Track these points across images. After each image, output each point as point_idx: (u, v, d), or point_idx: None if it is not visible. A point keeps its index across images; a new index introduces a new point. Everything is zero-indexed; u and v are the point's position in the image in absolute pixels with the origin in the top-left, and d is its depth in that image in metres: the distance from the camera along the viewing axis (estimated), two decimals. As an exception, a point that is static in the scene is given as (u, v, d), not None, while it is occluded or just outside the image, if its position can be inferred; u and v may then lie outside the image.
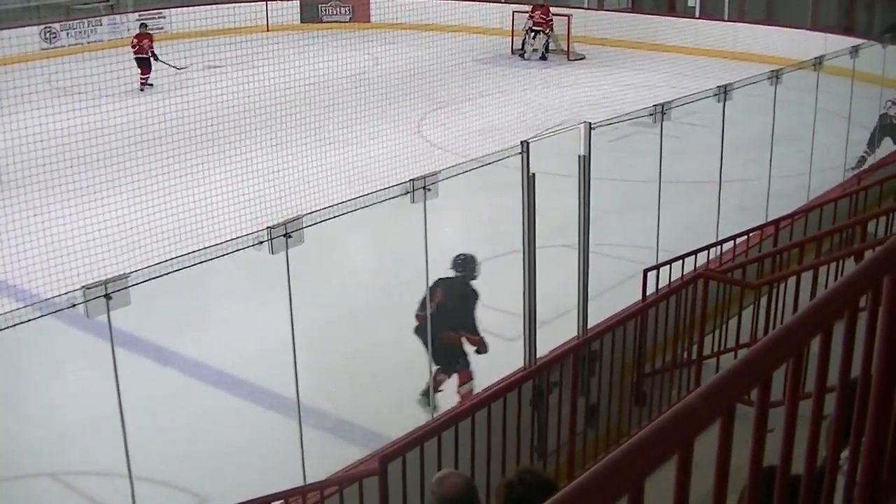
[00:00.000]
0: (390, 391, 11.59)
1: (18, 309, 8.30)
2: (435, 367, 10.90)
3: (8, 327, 7.51)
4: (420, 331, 10.89)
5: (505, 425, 8.51)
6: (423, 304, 10.69)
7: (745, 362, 2.80)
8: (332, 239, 10.81)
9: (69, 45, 37.04)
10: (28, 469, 10.79)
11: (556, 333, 10.52)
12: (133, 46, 29.87)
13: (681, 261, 11.08)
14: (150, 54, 29.03)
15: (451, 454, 7.89)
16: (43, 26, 37.19)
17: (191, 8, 38.56)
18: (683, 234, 13.49)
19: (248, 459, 10.59)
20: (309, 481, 8.89)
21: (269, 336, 11.78)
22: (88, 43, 37.17)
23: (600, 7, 37.68)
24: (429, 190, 9.38)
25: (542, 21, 33.01)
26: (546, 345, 10.00)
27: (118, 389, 7.99)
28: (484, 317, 12.74)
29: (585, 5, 37.10)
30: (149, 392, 11.35)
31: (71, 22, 38.44)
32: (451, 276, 11.42)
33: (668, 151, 12.84)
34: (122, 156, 18.81)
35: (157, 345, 12.90)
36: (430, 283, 10.23)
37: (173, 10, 39.35)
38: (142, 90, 28.45)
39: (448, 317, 11.19)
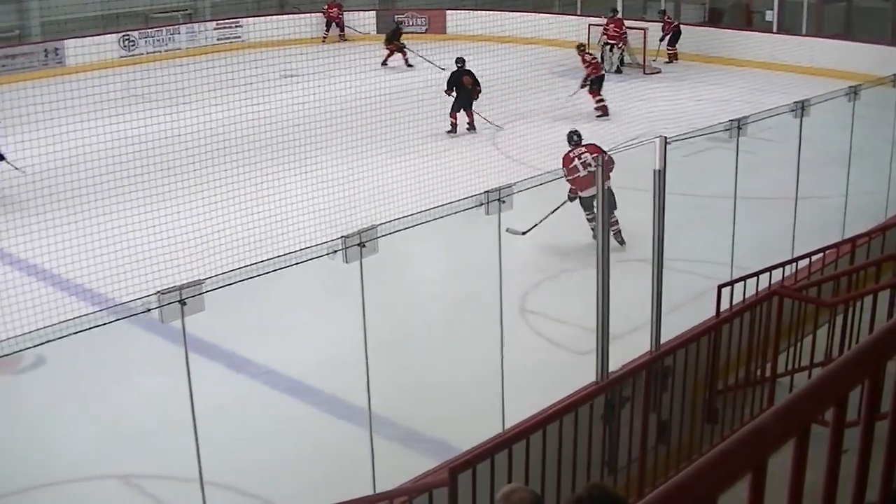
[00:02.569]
0: (462, 402, 11.58)
1: (94, 313, 8.41)
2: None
3: (83, 330, 7.60)
4: None
5: (576, 439, 8.48)
6: None
7: (820, 381, 2.78)
8: (406, 249, 10.85)
9: (147, 53, 37.47)
10: (99, 471, 10.91)
11: (628, 348, 10.49)
12: None
13: (755, 277, 10.98)
14: None
15: (521, 467, 7.87)
16: (122, 34, 37.64)
17: (267, 18, 38.87)
18: (758, 251, 13.38)
19: (317, 467, 10.63)
20: (378, 491, 8.91)
21: (340, 345, 11.82)
22: (166, 51, 37.59)
23: (677, 21, 37.50)
24: (503, 202, 9.38)
25: (615, 34, 32.88)
26: (618, 359, 9.97)
27: (191, 394, 8.06)
28: (556, 330, 12.75)
29: (662, 19, 36.94)
30: (220, 398, 11.44)
31: (149, 30, 38.89)
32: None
33: (743, 167, 12.75)
34: (199, 163, 18.94)
35: (230, 351, 12.99)
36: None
37: (250, 20, 39.66)
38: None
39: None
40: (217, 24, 39.80)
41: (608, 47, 33.11)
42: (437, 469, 9.09)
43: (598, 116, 25.95)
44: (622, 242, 16.08)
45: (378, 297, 9.07)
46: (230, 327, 12.87)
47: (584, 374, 10.12)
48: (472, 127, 24.82)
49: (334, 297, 13.13)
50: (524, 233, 16.13)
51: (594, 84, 26.57)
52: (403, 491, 8.42)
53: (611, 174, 12.41)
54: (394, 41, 35.67)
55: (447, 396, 11.81)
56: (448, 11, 39.63)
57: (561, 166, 16.03)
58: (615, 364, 9.89)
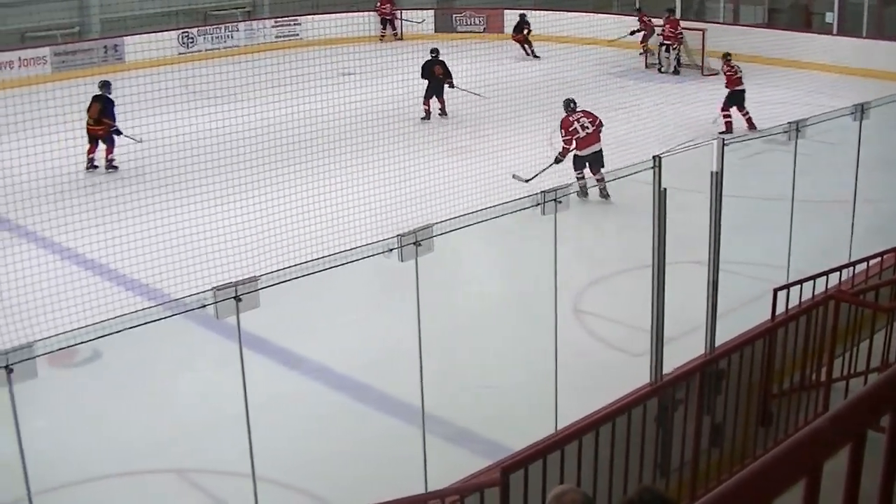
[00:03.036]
0: (514, 402, 11.58)
1: (150, 308, 8.48)
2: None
3: (139, 325, 7.67)
4: None
5: (628, 441, 8.45)
6: None
7: (877, 387, 2.76)
8: (461, 248, 10.86)
9: (206, 50, 37.69)
10: (154, 465, 10.99)
11: (682, 350, 10.44)
12: None
13: (812, 281, 10.91)
14: None
15: (573, 468, 7.86)
16: (181, 31, 37.90)
17: (325, 15, 38.99)
18: (814, 254, 13.30)
19: (369, 464, 10.65)
20: (429, 490, 8.93)
21: (393, 342, 11.86)
22: (224, 48, 37.80)
23: (735, 22, 37.25)
24: (559, 202, 9.37)
25: (670, 35, 32.70)
26: (672, 361, 9.93)
27: (245, 390, 8.11)
28: (610, 331, 12.70)
29: (721, 20, 36.72)
30: (274, 394, 11.49)
31: (208, 27, 39.11)
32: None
33: (800, 169, 12.67)
34: (256, 160, 19.05)
35: (284, 347, 13.05)
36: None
37: (308, 18, 39.79)
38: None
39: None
40: (276, 22, 39.96)
41: (664, 48, 32.95)
42: (489, 468, 9.09)
43: (721, 133, 23.00)
44: (607, 196, 18.65)
45: (432, 296, 9.08)
46: (284, 324, 12.92)
47: (637, 376, 10.09)
48: (443, 112, 26.43)
49: (388, 295, 13.17)
50: (528, 180, 18.16)
51: (732, 99, 25.09)
52: (455, 490, 8.43)
53: (600, 136, 18.75)
54: (521, 33, 36.31)
55: (499, 395, 11.81)
56: (506, 11, 39.56)
57: (560, 128, 19.79)
58: (669, 366, 9.86)
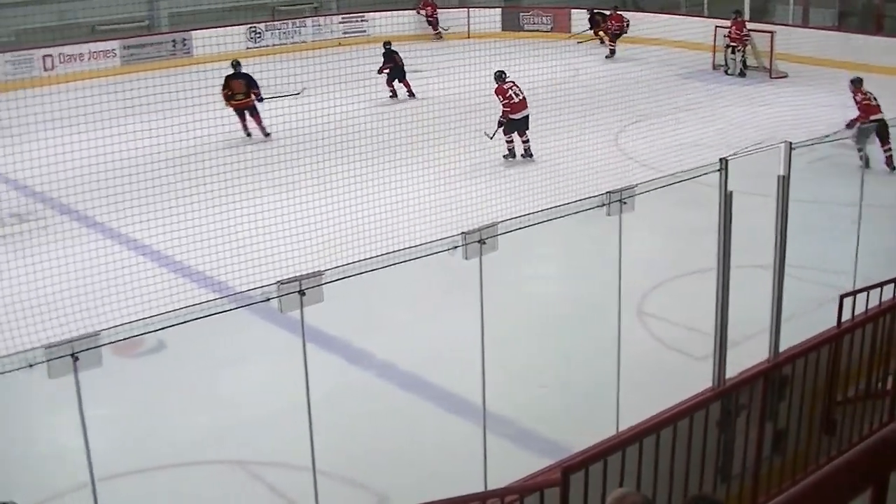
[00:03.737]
0: (575, 402, 11.56)
1: (215, 300, 8.55)
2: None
3: (203, 317, 7.72)
4: None
5: (690, 445, 8.41)
6: None
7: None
8: (526, 248, 10.84)
9: (273, 45, 37.88)
10: (215, 456, 11.07)
11: (745, 355, 10.37)
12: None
13: (879, 288, 10.79)
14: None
15: (633, 470, 7.83)
16: (249, 26, 38.11)
17: (393, 12, 39.06)
18: (882, 261, 13.17)
19: (429, 461, 10.67)
20: (489, 488, 8.93)
21: (455, 340, 11.86)
22: (292, 43, 37.97)
23: (805, 24, 36.90)
24: (625, 203, 9.35)
25: (736, 37, 32.37)
26: (735, 366, 9.87)
27: (307, 384, 8.15)
28: (672, 334, 12.64)
29: (790, 22, 36.39)
30: (335, 388, 11.53)
31: (276, 22, 39.31)
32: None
33: (869, 174, 12.55)
34: (322, 154, 19.10)
35: (347, 342, 13.09)
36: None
37: (376, 14, 39.88)
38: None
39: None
40: (343, 18, 40.09)
41: (730, 49, 32.67)
42: (550, 468, 9.08)
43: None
44: (531, 156, 22.02)
45: (495, 294, 9.08)
46: (348, 319, 12.95)
47: (699, 380, 10.04)
48: (411, 94, 27.60)
49: (451, 293, 13.17)
50: (490, 137, 21.28)
51: (863, 133, 20.04)
52: (515, 489, 8.42)
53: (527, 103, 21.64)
54: (597, 29, 36.76)
55: (561, 396, 11.79)
56: (573, 10, 39.44)
57: (496, 95, 22.18)
58: (732, 370, 9.80)
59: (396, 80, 28.25)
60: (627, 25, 35.74)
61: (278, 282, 7.85)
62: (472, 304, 8.87)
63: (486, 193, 16.98)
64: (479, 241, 8.53)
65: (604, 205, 9.37)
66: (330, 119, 19.78)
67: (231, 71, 25.69)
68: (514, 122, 22.15)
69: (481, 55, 25.94)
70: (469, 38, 39.22)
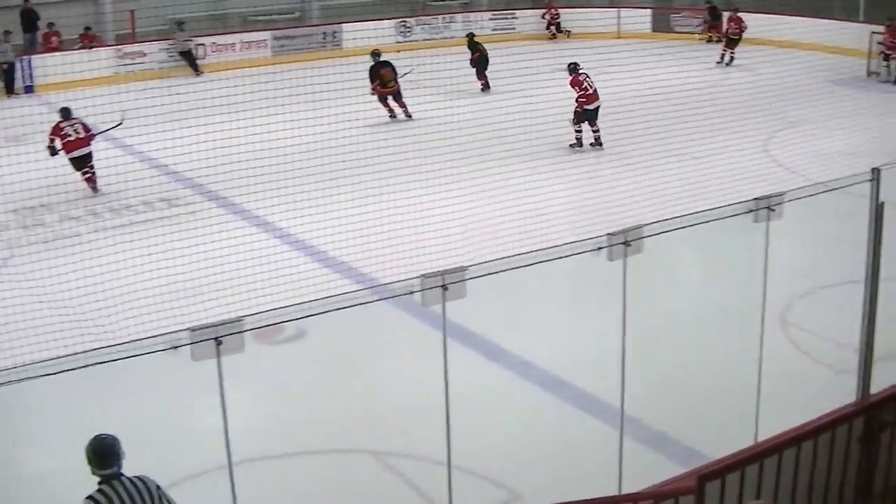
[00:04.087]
0: (714, 410, 11.41)
1: (357, 291, 8.62)
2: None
3: (345, 307, 7.78)
4: None
5: (831, 460, 8.25)
6: None
7: None
8: (669, 251, 10.70)
9: (422, 40, 38.08)
10: (350, 445, 11.16)
11: (892, 371, 10.14)
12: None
13: None
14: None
15: (771, 483, 7.71)
16: (398, 20, 38.36)
17: (542, 10, 39.03)
18: None
19: (564, 462, 10.62)
20: (623, 492, 8.87)
21: (595, 341, 11.81)
22: (441, 39, 38.12)
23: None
24: (773, 210, 9.21)
25: (891, 45, 31.48)
26: (881, 381, 9.66)
27: (446, 379, 8.16)
28: (816, 345, 12.42)
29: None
30: (473, 385, 11.53)
31: (426, 17, 39.50)
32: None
33: None
34: (467, 150, 19.18)
35: (487, 339, 13.09)
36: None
37: (526, 12, 39.88)
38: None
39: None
40: (493, 15, 40.16)
41: (882, 56, 31.78)
42: (685, 475, 8.99)
43: None
44: (601, 145, 22.69)
45: (637, 297, 9.01)
46: (488, 316, 12.94)
47: (843, 394, 9.84)
48: (407, 115, 26.26)
49: (593, 294, 13.10)
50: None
51: None
52: (649, 494, 8.35)
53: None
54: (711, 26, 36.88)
55: (700, 402, 11.64)
56: (724, 13, 38.94)
57: (571, 87, 22.82)
58: (877, 386, 9.59)
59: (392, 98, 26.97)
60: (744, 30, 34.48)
61: (422, 275, 7.88)
62: (614, 306, 8.81)
63: (632, 195, 16.87)
64: (623, 243, 8.47)
65: (751, 211, 9.24)
66: (475, 115, 19.85)
67: (373, 62, 26.38)
68: (587, 111, 22.97)
69: (638, 56, 25.87)
70: (619, 37, 38.97)
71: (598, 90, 22.89)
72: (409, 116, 25.68)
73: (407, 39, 38.12)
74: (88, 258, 14.73)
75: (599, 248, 8.48)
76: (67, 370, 6.90)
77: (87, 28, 35.45)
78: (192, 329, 7.08)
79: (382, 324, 12.13)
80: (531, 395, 12.09)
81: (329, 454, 11.02)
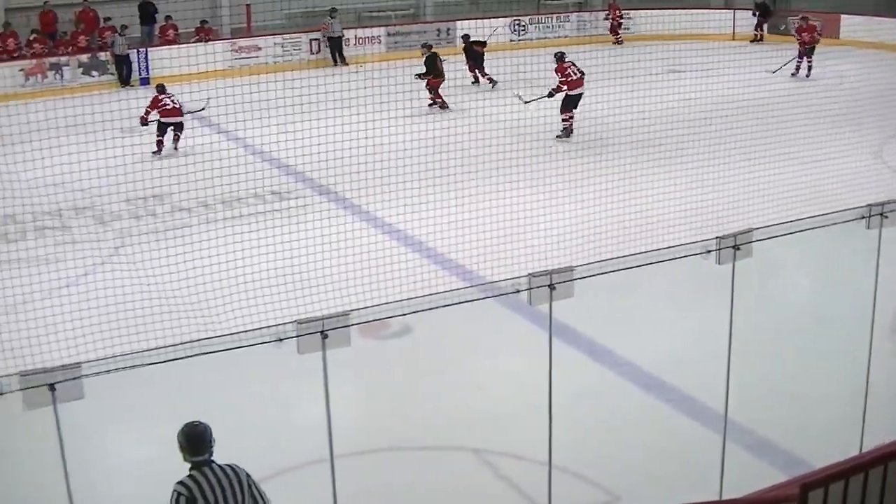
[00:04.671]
0: (819, 418, 11.27)
1: (464, 288, 8.65)
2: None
3: (452, 304, 7.82)
4: None
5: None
6: None
7: None
8: (777, 256, 10.61)
9: (536, 39, 38.06)
10: (452, 442, 11.18)
11: None
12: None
13: None
14: None
15: (876, 494, 7.59)
16: (513, 19, 38.37)
17: (655, 11, 38.79)
18: None
19: (664, 465, 10.55)
20: (724, 497, 8.80)
21: (700, 345, 11.72)
22: (556, 38, 38.06)
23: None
24: (886, 217, 9.08)
25: None
26: None
27: (550, 378, 8.16)
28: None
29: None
30: (576, 384, 11.50)
31: (540, 16, 39.46)
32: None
33: None
34: (578, 150, 19.17)
35: (592, 339, 13.03)
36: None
37: (641, 12, 39.66)
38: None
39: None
40: (607, 15, 39.98)
41: None
42: (787, 483, 8.88)
43: None
44: (569, 134, 23.42)
45: (744, 301, 8.93)
46: (594, 316, 12.88)
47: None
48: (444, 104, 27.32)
49: (700, 297, 13.01)
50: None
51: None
52: (750, 501, 8.28)
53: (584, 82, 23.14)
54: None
55: (805, 409, 11.50)
56: (843, 16, 38.34)
57: (556, 73, 23.87)
58: None
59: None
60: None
61: (529, 274, 7.89)
62: (721, 310, 8.75)
63: (741, 198, 16.71)
64: (733, 247, 8.41)
65: (864, 217, 9.11)
66: (586, 116, 19.78)
67: (428, 53, 27.52)
68: (570, 98, 23.91)
69: (743, 59, 25.59)
70: (733, 39, 38.56)
71: (583, 77, 23.76)
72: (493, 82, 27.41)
73: (521, 38, 38.13)
74: (198, 249, 14.94)
75: (708, 252, 8.43)
76: (174, 359, 7.02)
77: (204, 21, 35.98)
78: (299, 322, 7.16)
79: (488, 321, 12.15)
80: (634, 397, 12.03)
81: (430, 450, 11.06)
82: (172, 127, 23.91)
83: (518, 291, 7.94)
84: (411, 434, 11.27)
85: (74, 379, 6.49)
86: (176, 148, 23.78)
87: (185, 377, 9.32)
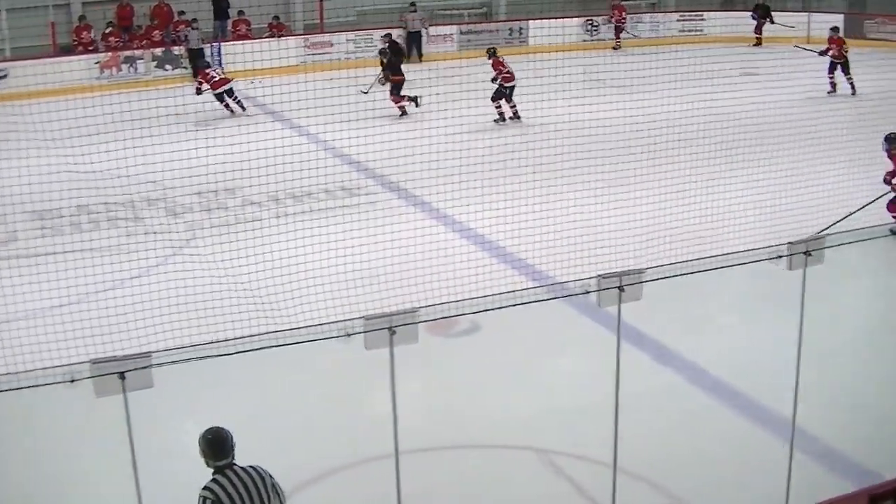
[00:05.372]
0: (890, 428, 11.15)
1: (533, 288, 8.64)
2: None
3: (520, 304, 7.81)
4: None
5: None
6: None
7: None
8: (851, 264, 10.50)
9: (608, 39, 37.97)
10: (515, 441, 11.14)
11: None
12: None
13: None
14: None
15: (946, 505, 7.52)
16: (585, 19, 38.29)
17: (728, 13, 38.54)
18: None
19: (729, 470, 10.48)
20: (791, 506, 8.74)
21: (770, 351, 11.62)
22: (626, 38, 37.99)
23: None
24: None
25: None
26: None
27: (617, 380, 8.13)
28: None
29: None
30: (644, 387, 11.43)
31: (636, 15, 39.49)
32: None
33: None
34: (650, 153, 19.06)
35: (660, 343, 12.94)
36: None
37: (712, 14, 39.45)
38: None
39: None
40: (680, 16, 39.83)
41: None
42: (855, 494, 8.79)
43: None
44: (520, 118, 26.12)
45: (814, 309, 8.84)
46: (662, 319, 12.79)
47: None
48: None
49: (769, 303, 12.91)
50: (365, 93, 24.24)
51: None
52: (818, 509, 8.21)
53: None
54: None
55: (875, 420, 11.38)
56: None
57: (495, 67, 26.44)
58: None
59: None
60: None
61: (598, 276, 7.86)
62: (791, 316, 8.67)
63: (812, 203, 16.54)
64: (804, 253, 8.33)
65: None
66: (660, 117, 19.68)
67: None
68: (505, 89, 26.49)
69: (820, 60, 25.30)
70: (808, 41, 38.14)
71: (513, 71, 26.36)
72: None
73: (593, 38, 38.03)
74: (268, 242, 15.03)
75: (780, 257, 8.35)
76: (242, 351, 7.08)
77: (276, 17, 36.22)
78: (367, 318, 7.17)
79: (556, 322, 12.13)
80: (700, 401, 11.95)
81: (493, 449, 11.04)
82: (226, 93, 28.11)
83: (587, 293, 7.91)
84: (476, 432, 11.25)
85: (144, 368, 6.55)
86: (243, 108, 28.43)
87: (253, 369, 9.38)
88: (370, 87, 27.23)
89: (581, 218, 16.12)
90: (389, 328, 7.16)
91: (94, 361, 6.52)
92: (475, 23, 38.51)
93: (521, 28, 37.46)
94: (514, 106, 26.39)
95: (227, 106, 28.18)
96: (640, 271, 7.83)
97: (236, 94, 28.51)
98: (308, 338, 7.27)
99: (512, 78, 26.35)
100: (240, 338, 7.50)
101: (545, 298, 8.18)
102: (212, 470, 7.15)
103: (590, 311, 10.42)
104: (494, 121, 26.17)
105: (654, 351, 12.74)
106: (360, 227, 15.45)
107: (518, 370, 12.60)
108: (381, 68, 28.46)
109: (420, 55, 36.18)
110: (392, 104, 27.16)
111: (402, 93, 27.43)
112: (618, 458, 8.36)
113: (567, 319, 12.30)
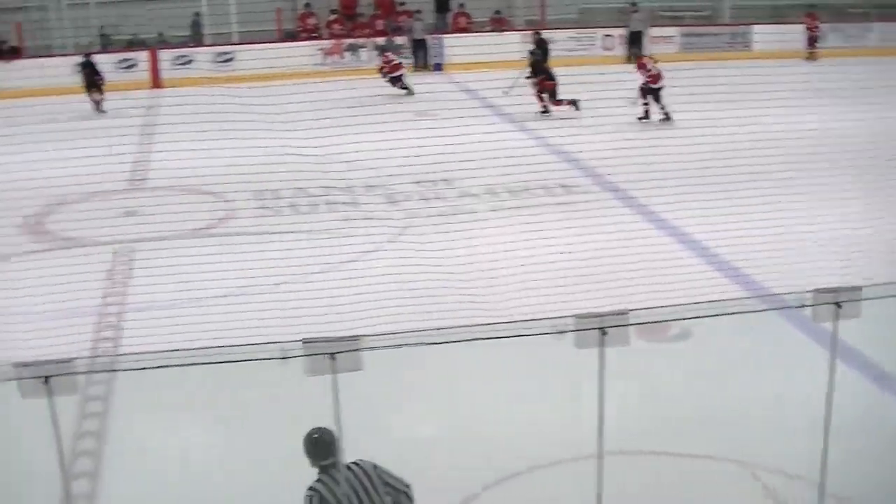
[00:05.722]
0: None
1: (747, 298, 8.51)
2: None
3: (733, 313, 7.72)
4: None
5: None
6: None
7: None
8: None
9: (835, 47, 37.04)
10: (719, 452, 10.85)
11: None
12: None
13: None
14: None
15: None
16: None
17: None
18: None
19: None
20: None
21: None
22: (852, 48, 36.93)
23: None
24: None
25: None
26: None
27: (829, 399, 7.94)
28: None
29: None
30: (858, 408, 11.09)
31: (840, 24, 38.44)
32: None
33: None
34: (867, 167, 18.62)
35: (880, 365, 12.36)
36: None
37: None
38: None
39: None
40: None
41: None
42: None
43: None
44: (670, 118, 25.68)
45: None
46: (882, 339, 12.42)
47: None
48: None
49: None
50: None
51: None
52: None
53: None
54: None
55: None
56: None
57: (640, 68, 26.65)
58: None
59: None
60: None
61: (815, 290, 7.70)
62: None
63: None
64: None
65: None
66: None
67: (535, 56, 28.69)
68: (655, 90, 26.29)
69: None
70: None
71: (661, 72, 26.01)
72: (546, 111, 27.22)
73: (821, 46, 37.19)
74: (482, 235, 15.15)
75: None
76: (451, 341, 7.14)
77: (498, 12, 36.49)
78: (578, 317, 7.17)
79: (768, 333, 11.94)
80: None
81: (696, 459, 10.90)
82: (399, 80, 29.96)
83: (803, 306, 7.75)
84: (680, 439, 11.13)
85: (354, 351, 6.66)
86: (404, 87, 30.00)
87: (461, 360, 9.48)
88: (510, 88, 27.40)
89: (796, 229, 15.77)
90: (601, 328, 7.14)
91: (306, 341, 6.65)
92: (698, 25, 38.09)
93: (744, 32, 36.91)
94: (664, 108, 26.06)
95: (395, 80, 29.75)
96: (859, 288, 7.63)
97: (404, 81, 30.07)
98: (518, 332, 7.32)
99: (658, 79, 26.12)
100: (450, 328, 7.56)
101: (760, 309, 8.06)
102: (316, 469, 7.23)
103: (803, 324, 10.19)
104: (638, 118, 26.03)
105: (871, 372, 12.35)
106: (575, 226, 15.42)
107: (727, 379, 12.38)
108: (529, 68, 28.10)
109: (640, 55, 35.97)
110: (555, 109, 27.10)
111: (559, 97, 27.17)
112: (827, 480, 8.17)
113: (780, 332, 12.08)
